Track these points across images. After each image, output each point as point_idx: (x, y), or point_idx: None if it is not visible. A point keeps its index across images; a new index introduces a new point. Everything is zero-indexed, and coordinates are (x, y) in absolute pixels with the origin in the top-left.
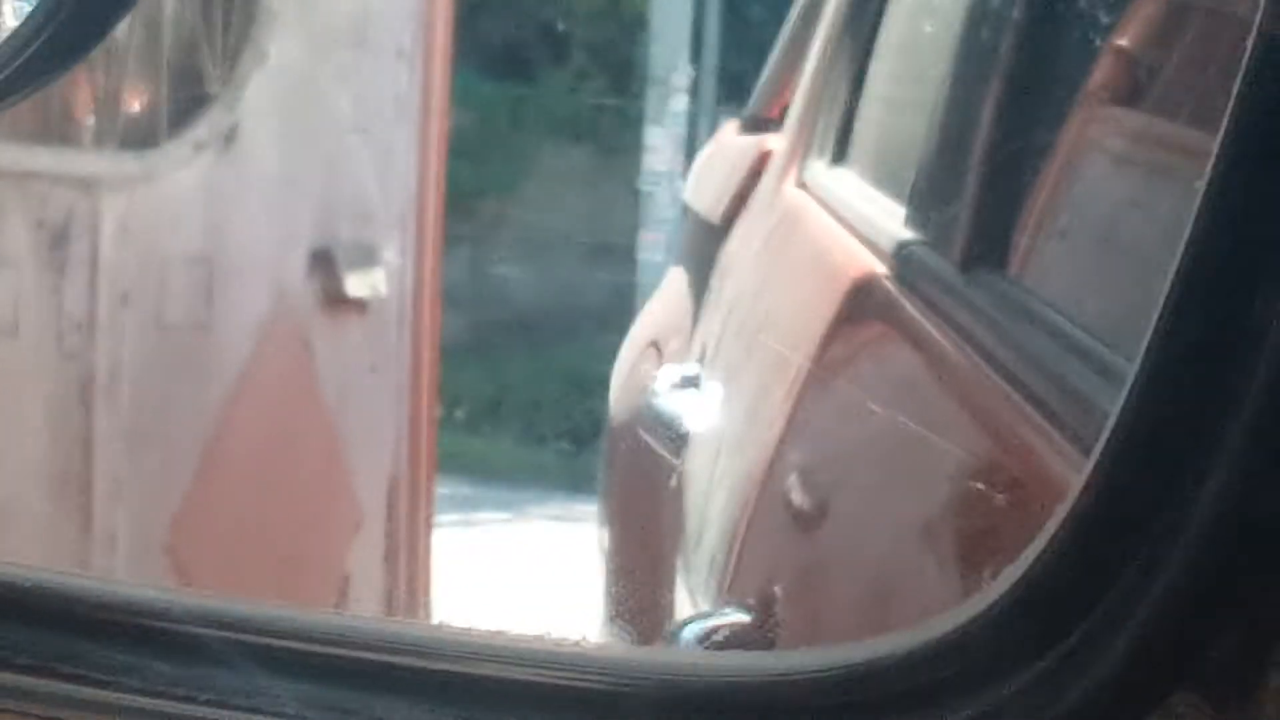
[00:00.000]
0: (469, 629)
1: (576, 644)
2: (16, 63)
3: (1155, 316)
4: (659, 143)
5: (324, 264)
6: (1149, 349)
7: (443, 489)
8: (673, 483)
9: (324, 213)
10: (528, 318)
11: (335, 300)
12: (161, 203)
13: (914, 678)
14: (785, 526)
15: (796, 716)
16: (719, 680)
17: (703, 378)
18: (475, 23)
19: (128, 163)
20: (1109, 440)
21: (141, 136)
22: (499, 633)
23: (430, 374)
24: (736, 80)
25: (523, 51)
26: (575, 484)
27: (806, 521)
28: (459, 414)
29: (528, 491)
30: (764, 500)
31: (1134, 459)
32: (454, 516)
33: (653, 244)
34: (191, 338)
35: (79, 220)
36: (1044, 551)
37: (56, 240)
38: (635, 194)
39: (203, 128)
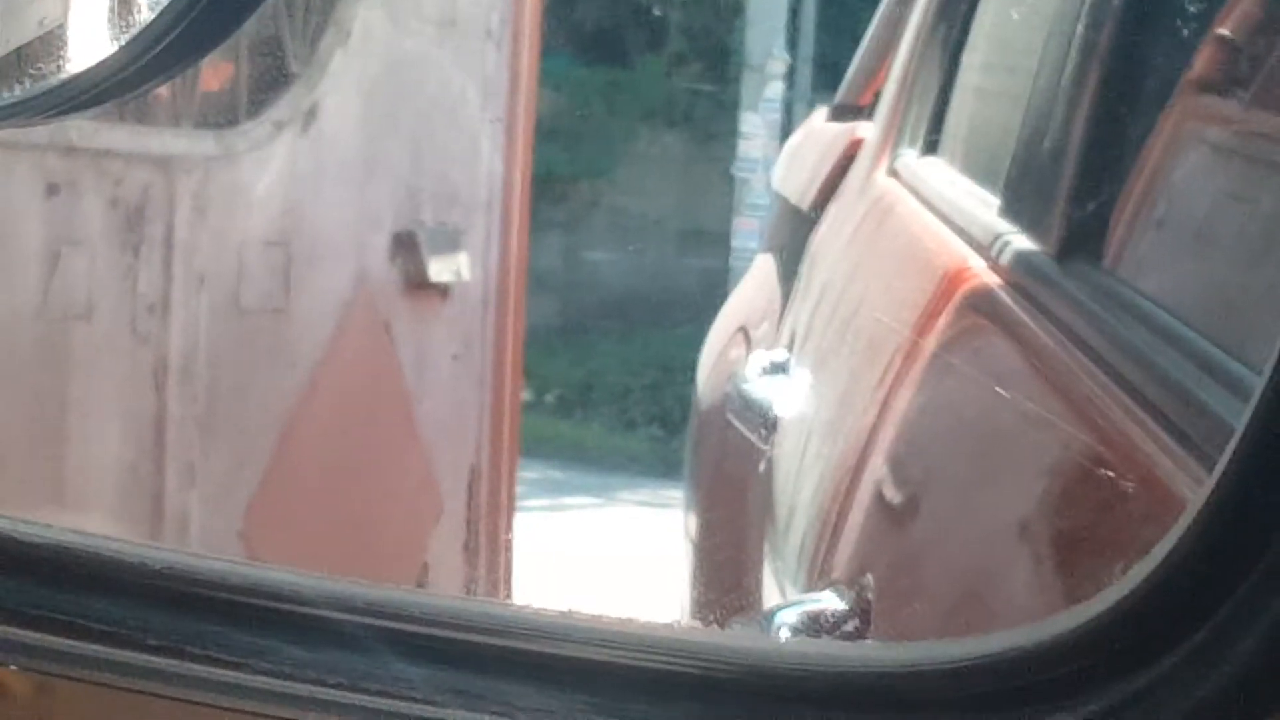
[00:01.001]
0: (597, 616)
1: (705, 632)
2: (153, 52)
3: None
4: (754, 129)
5: (406, 248)
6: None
7: (532, 473)
8: (761, 469)
9: (407, 195)
10: (620, 303)
11: (418, 285)
12: (239, 183)
13: (1038, 673)
14: (879, 515)
15: (911, 710)
16: (846, 670)
17: (792, 364)
18: (570, 6)
19: (205, 142)
20: (1241, 439)
21: (220, 115)
22: (628, 620)
23: (515, 360)
24: (832, 67)
25: (618, 36)
26: (665, 469)
27: (901, 511)
28: (549, 398)
29: (618, 476)
30: (856, 488)
31: (1266, 460)
32: (543, 501)
33: (746, 230)
34: (269, 322)
35: (154, 200)
36: (1173, 550)
37: (131, 221)
38: (729, 180)
39: (283, 107)
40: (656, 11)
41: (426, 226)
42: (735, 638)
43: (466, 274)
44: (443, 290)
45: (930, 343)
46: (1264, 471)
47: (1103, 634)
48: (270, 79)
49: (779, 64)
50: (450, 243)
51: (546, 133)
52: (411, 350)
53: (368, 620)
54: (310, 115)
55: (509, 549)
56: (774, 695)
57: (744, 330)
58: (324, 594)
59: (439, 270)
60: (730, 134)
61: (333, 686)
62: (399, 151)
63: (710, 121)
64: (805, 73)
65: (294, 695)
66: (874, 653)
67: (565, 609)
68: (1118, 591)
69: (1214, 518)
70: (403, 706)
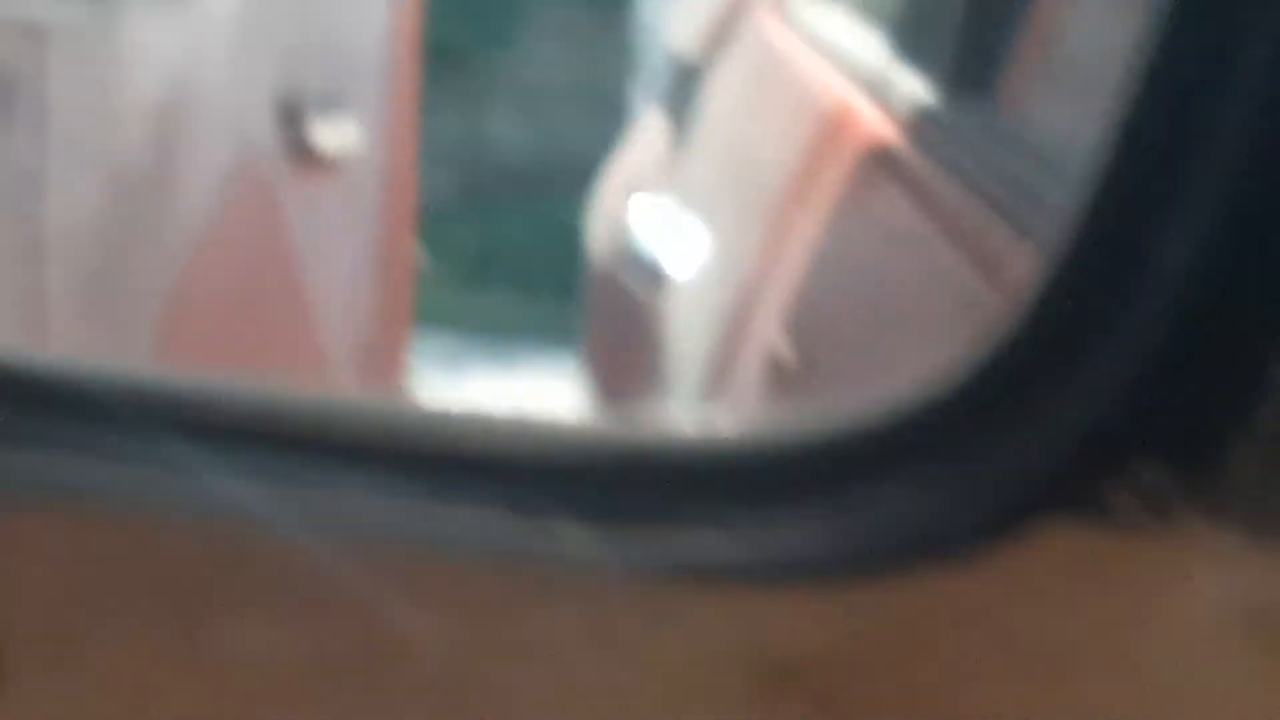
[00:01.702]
0: (438, 407)
1: (549, 421)
2: None
3: (1119, 105)
4: None
5: (293, 116)
6: (1113, 135)
7: (436, 345)
8: (653, 324)
9: (292, 63)
10: (521, 173)
11: (305, 155)
12: (116, 51)
13: (883, 447)
14: (768, 365)
15: (751, 488)
16: (691, 451)
17: (682, 218)
18: None
19: (80, 7)
20: (1076, 216)
21: None
22: (468, 411)
23: (406, 232)
24: None
25: None
26: (567, 338)
27: (789, 358)
28: (451, 270)
29: (519, 346)
30: (746, 339)
31: (1100, 233)
32: (443, 372)
33: (644, 94)
34: (150, 194)
35: (26, 71)
36: (1010, 328)
37: (1, 92)
38: (628, 45)
39: None
40: None
41: (314, 94)
42: (582, 426)
43: (355, 143)
44: (331, 160)
45: (820, 188)
46: (1098, 246)
47: (939, 412)
48: None
49: None
50: (338, 111)
51: (442, 4)
52: (299, 221)
53: (190, 411)
54: None
55: None
56: (616, 474)
57: (634, 183)
58: (142, 385)
59: (327, 140)
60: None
61: (157, 478)
62: (284, 17)
63: None
64: None
65: (118, 489)
66: (718, 437)
67: (397, 400)
68: (956, 369)
69: (1045, 297)
70: (243, 493)
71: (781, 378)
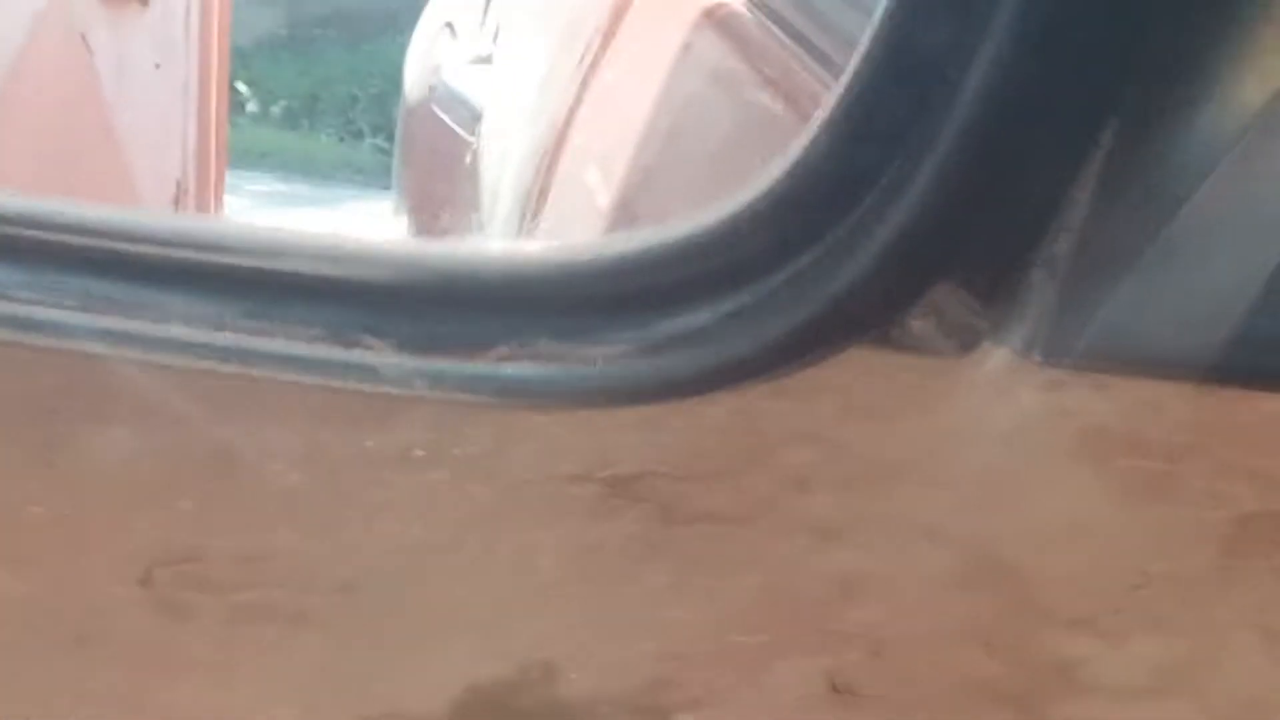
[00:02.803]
0: (258, 226)
1: (364, 241)
2: None
3: None
4: None
5: None
6: None
7: (259, 186)
8: (468, 160)
9: None
10: (346, 12)
11: None
12: None
13: (681, 269)
14: (576, 192)
15: (582, 306)
16: (500, 268)
17: (495, 55)
18: None
19: None
20: (869, 46)
21: None
22: (287, 230)
23: (220, 70)
24: None
25: None
26: (390, 180)
27: (596, 185)
28: (275, 110)
29: (344, 188)
30: (556, 169)
31: (900, 53)
32: (268, 213)
33: None
34: None
35: None
36: (805, 151)
37: None
38: None
39: None
40: None
41: None
42: (397, 245)
43: None
44: None
45: (626, 21)
46: (890, 72)
47: (737, 234)
48: None
49: None
50: None
51: None
52: (110, 60)
53: (23, 231)
54: None
55: None
56: (427, 299)
57: (449, 25)
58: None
59: None
60: None
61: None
62: None
63: None
64: None
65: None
66: (533, 260)
67: (223, 220)
68: (752, 192)
69: (841, 121)
70: (57, 315)
71: (597, 219)
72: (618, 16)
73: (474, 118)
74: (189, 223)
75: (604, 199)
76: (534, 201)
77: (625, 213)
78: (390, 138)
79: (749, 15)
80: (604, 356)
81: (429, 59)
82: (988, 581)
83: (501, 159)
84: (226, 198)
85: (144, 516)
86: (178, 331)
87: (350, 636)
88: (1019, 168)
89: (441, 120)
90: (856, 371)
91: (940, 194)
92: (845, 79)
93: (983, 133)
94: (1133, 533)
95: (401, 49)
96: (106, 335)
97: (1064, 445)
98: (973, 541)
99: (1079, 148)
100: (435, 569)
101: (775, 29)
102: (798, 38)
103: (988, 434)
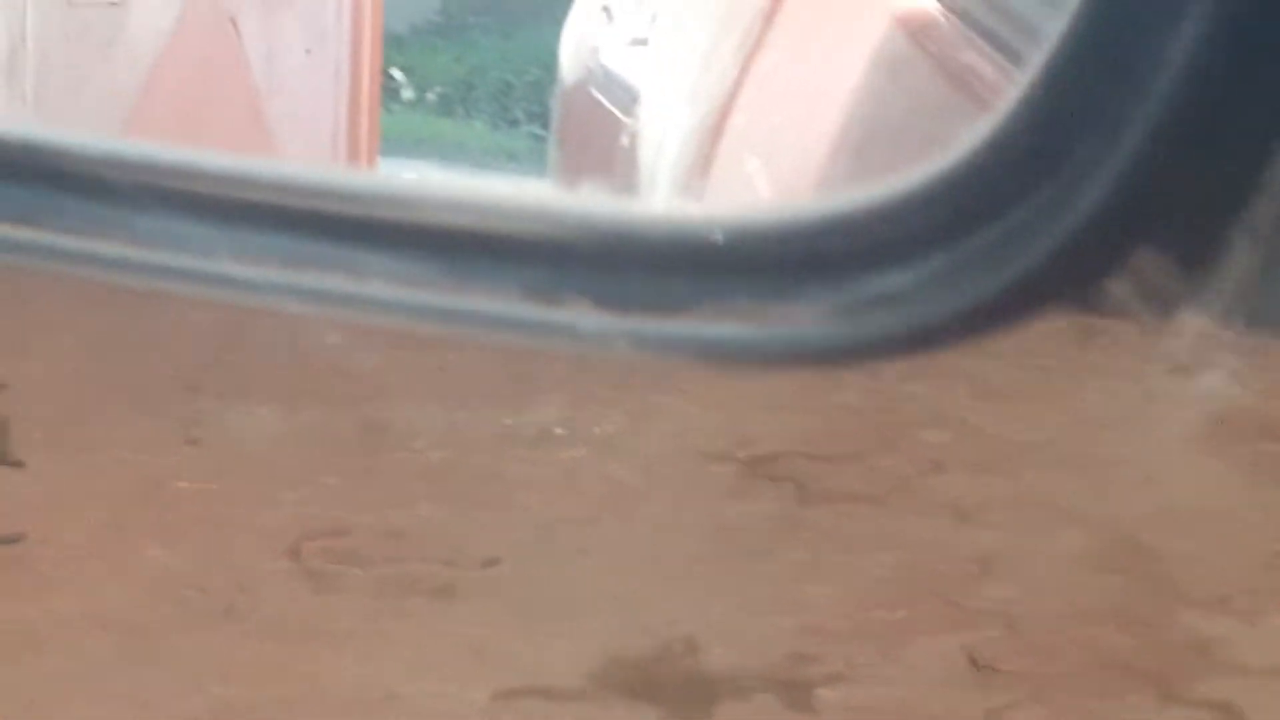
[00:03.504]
0: (456, 184)
1: (563, 199)
2: None
3: None
4: None
5: None
6: None
7: (412, 171)
8: (624, 141)
9: None
10: None
11: None
12: None
13: (881, 230)
14: (738, 176)
15: (768, 268)
16: (700, 229)
17: (653, 37)
18: None
19: None
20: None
21: None
22: (485, 188)
23: (374, 56)
24: None
25: None
26: (546, 167)
27: (758, 169)
28: (431, 96)
29: (499, 175)
30: (717, 152)
31: (1101, 18)
32: None
33: None
34: (102, 14)
35: None
36: (1008, 117)
37: None
38: None
39: None
40: None
41: None
42: (598, 204)
43: None
44: None
45: (786, 3)
46: (1101, 27)
47: (938, 196)
48: None
49: None
50: None
51: None
52: (261, 45)
53: (216, 191)
54: None
55: None
56: (629, 258)
57: (605, 8)
58: (166, 164)
59: None
60: None
61: (185, 253)
62: None
63: None
64: None
65: (148, 264)
66: (725, 218)
67: (420, 178)
68: (954, 153)
69: (1046, 81)
70: (254, 274)
71: (746, 183)
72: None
73: (631, 99)
74: (387, 181)
75: (766, 188)
76: (692, 186)
77: (784, 190)
78: (545, 125)
79: (938, 13)
80: (805, 316)
81: (585, 41)
82: (1122, 561)
83: (660, 141)
84: None
85: (291, 492)
86: (376, 289)
87: (493, 610)
88: (1221, 133)
89: (599, 102)
90: (1053, 337)
91: (1141, 159)
92: (1050, 44)
93: (1188, 98)
94: (1267, 513)
95: (556, 37)
96: (305, 293)
97: (1230, 441)
98: (1108, 523)
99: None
100: (576, 545)
101: (965, 28)
102: (989, 36)
103: (1152, 419)
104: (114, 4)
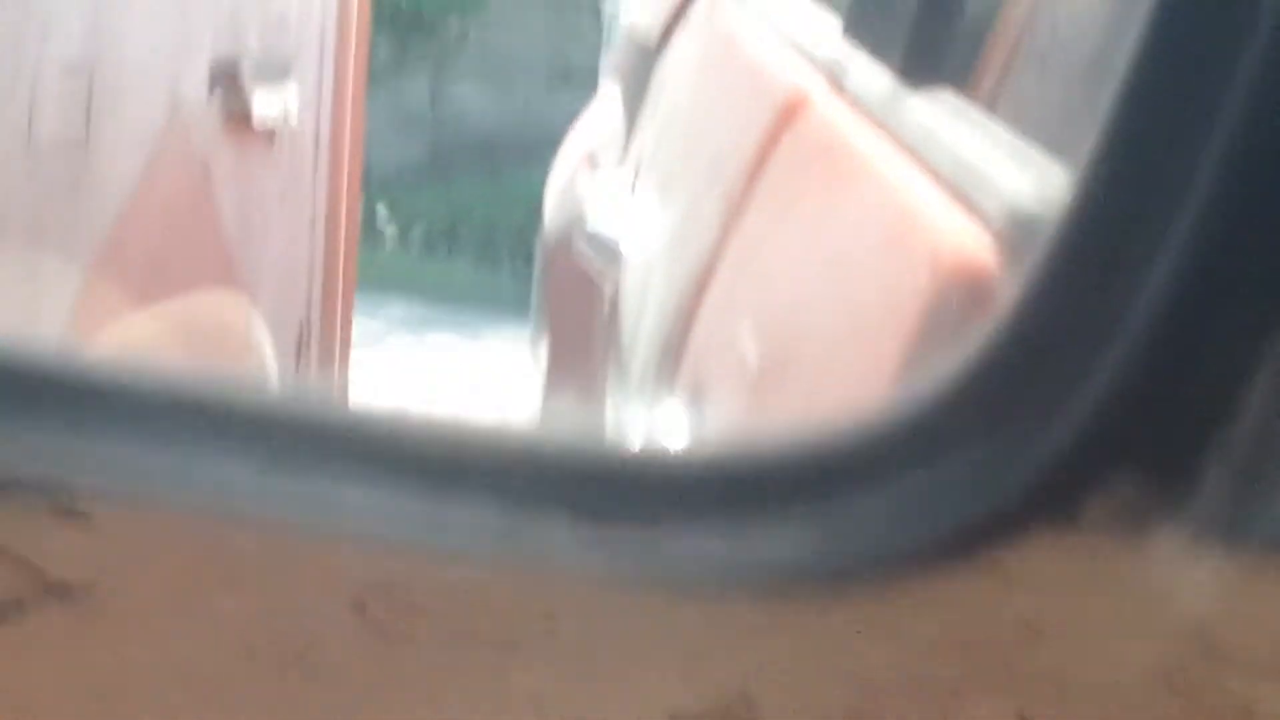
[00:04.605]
0: (428, 415)
1: (538, 432)
2: None
3: (1102, 124)
4: None
5: (228, 78)
6: (1094, 156)
7: (396, 310)
8: (607, 295)
9: (228, 17)
10: (488, 140)
11: (241, 120)
12: (33, 1)
13: (861, 457)
14: (721, 338)
15: (749, 497)
16: (667, 468)
17: (637, 191)
18: None
19: None
20: (1056, 235)
21: None
22: (458, 419)
23: (351, 206)
24: None
25: None
26: (529, 308)
27: (741, 332)
28: (416, 235)
29: (482, 314)
30: (698, 313)
31: (1078, 258)
32: (406, 339)
33: (607, 68)
34: (68, 157)
35: None
36: (989, 340)
37: None
38: (599, 15)
39: None
40: None
41: (251, 54)
42: (569, 436)
43: (295, 109)
44: (269, 125)
45: (772, 166)
46: (1075, 268)
47: (920, 422)
48: None
49: None
50: (278, 73)
51: None
52: (233, 192)
53: (195, 415)
54: None
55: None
56: (606, 489)
57: (591, 159)
58: (151, 386)
59: (265, 104)
60: None
61: (159, 482)
62: None
63: None
64: None
65: (120, 491)
66: (714, 446)
67: (396, 408)
68: (936, 380)
69: (1025, 310)
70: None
71: (746, 372)
72: (762, 160)
73: (615, 254)
74: (361, 411)
75: (755, 355)
76: (675, 346)
77: (779, 373)
78: (529, 266)
79: (892, 157)
80: (781, 538)
81: (569, 192)
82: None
83: (642, 298)
84: (361, 320)
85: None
86: (348, 518)
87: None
88: (1196, 362)
89: (582, 255)
90: (1022, 560)
91: (1120, 382)
92: (1029, 272)
93: (1165, 326)
94: None
95: (541, 179)
96: (272, 505)
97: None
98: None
99: (1258, 338)
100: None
101: (896, 152)
102: (914, 156)
103: (1130, 653)
104: (78, 144)
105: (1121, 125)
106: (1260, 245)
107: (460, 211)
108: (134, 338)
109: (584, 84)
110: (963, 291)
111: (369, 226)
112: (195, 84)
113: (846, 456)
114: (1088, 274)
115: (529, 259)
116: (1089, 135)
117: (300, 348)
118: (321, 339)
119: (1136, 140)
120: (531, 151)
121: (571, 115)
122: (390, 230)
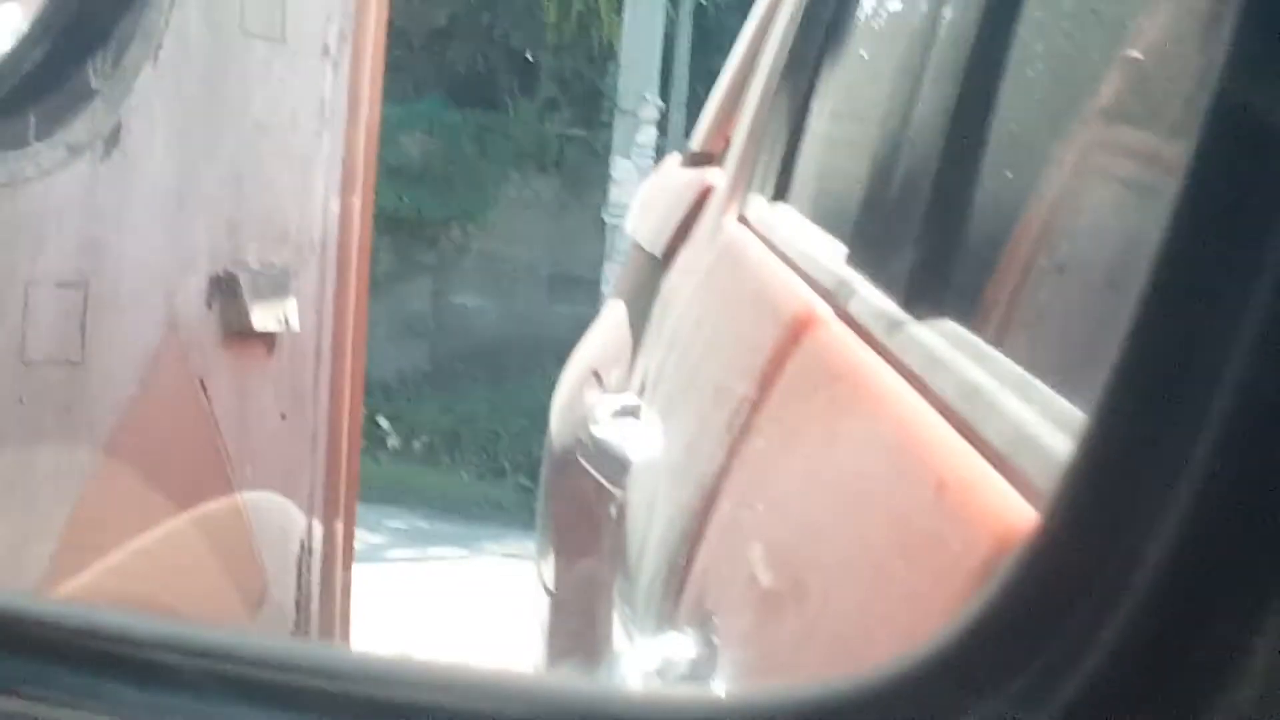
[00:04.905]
0: (430, 661)
1: (517, 675)
2: None
3: (1114, 361)
4: (625, 174)
5: (226, 292)
6: (1109, 388)
7: (397, 522)
8: (613, 513)
9: (227, 232)
10: (490, 349)
11: (239, 334)
12: (26, 214)
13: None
14: (726, 560)
15: None
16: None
17: (642, 408)
18: (442, 48)
19: None
20: (1063, 486)
21: (4, 137)
22: (460, 665)
23: (353, 421)
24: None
25: (491, 79)
26: (533, 519)
27: (746, 556)
28: (417, 446)
29: (485, 526)
30: (704, 533)
31: (1085, 514)
32: (407, 552)
33: (611, 277)
34: (60, 376)
35: None
36: (996, 593)
37: None
38: (601, 225)
39: (79, 128)
40: (529, 56)
41: (249, 268)
42: (572, 683)
43: (295, 322)
44: (269, 340)
45: (777, 389)
46: (1081, 526)
47: (917, 686)
48: (66, 96)
49: (651, 109)
50: (277, 287)
51: (417, 175)
52: (232, 409)
53: (200, 663)
54: (112, 138)
55: (345, 637)
56: None
57: (596, 374)
58: (157, 636)
59: (264, 318)
60: (602, 179)
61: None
62: (218, 181)
63: (582, 167)
64: (678, 118)
65: None
66: (715, 698)
67: (398, 654)
68: (926, 649)
69: (1030, 566)
70: None
71: (752, 598)
72: (767, 380)
73: (621, 470)
74: (367, 657)
75: (762, 580)
76: (680, 567)
77: (785, 600)
78: (531, 475)
79: (878, 368)
80: None
81: (575, 408)
82: None
83: (648, 515)
84: (364, 534)
85: None
86: None
87: None
88: (1204, 618)
89: (587, 471)
90: None
91: (1123, 643)
92: (1032, 536)
93: (1166, 595)
94: None
95: (544, 389)
96: None
97: None
98: None
99: (1260, 603)
100: None
101: (900, 377)
102: (917, 383)
103: None
104: (73, 363)
105: (1128, 380)
106: (1265, 505)
107: (462, 421)
108: (130, 561)
109: (585, 293)
110: (971, 527)
111: (370, 435)
112: (193, 298)
113: (853, 716)
114: (1091, 534)
115: (532, 468)
116: (1092, 370)
117: (301, 565)
118: (323, 555)
119: (1140, 406)
120: (531, 360)
121: (573, 324)
122: (391, 439)
